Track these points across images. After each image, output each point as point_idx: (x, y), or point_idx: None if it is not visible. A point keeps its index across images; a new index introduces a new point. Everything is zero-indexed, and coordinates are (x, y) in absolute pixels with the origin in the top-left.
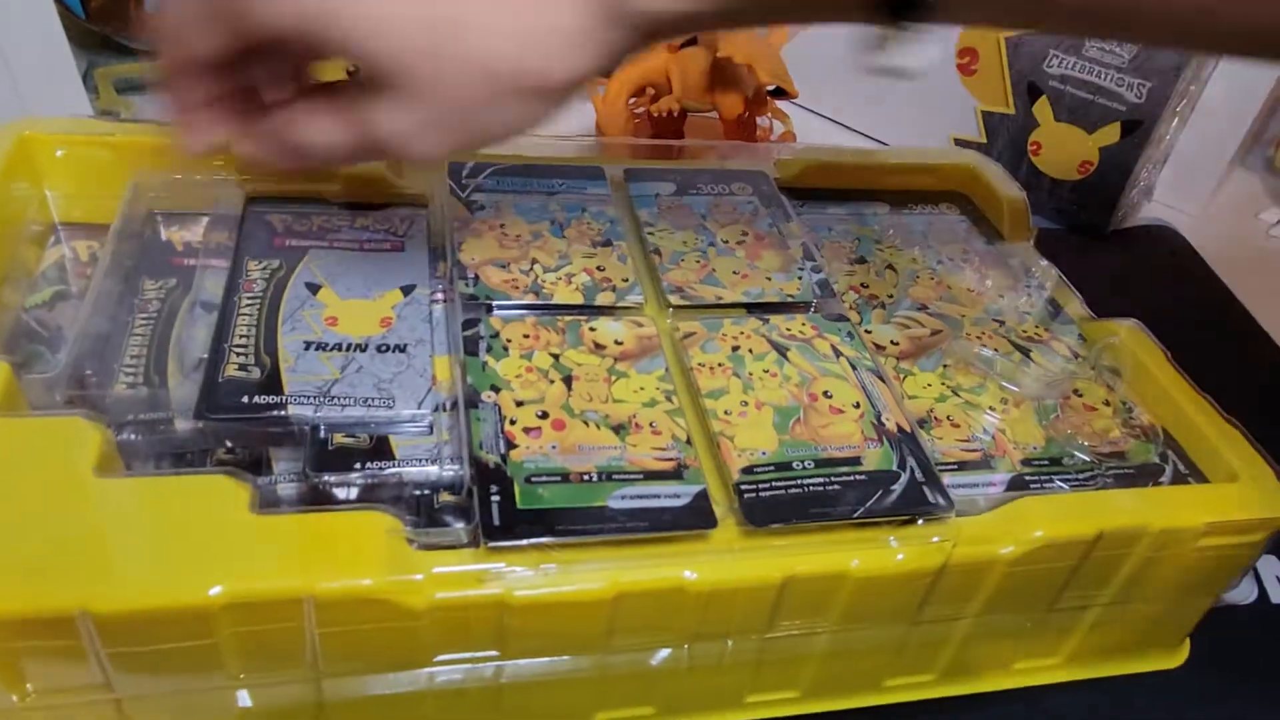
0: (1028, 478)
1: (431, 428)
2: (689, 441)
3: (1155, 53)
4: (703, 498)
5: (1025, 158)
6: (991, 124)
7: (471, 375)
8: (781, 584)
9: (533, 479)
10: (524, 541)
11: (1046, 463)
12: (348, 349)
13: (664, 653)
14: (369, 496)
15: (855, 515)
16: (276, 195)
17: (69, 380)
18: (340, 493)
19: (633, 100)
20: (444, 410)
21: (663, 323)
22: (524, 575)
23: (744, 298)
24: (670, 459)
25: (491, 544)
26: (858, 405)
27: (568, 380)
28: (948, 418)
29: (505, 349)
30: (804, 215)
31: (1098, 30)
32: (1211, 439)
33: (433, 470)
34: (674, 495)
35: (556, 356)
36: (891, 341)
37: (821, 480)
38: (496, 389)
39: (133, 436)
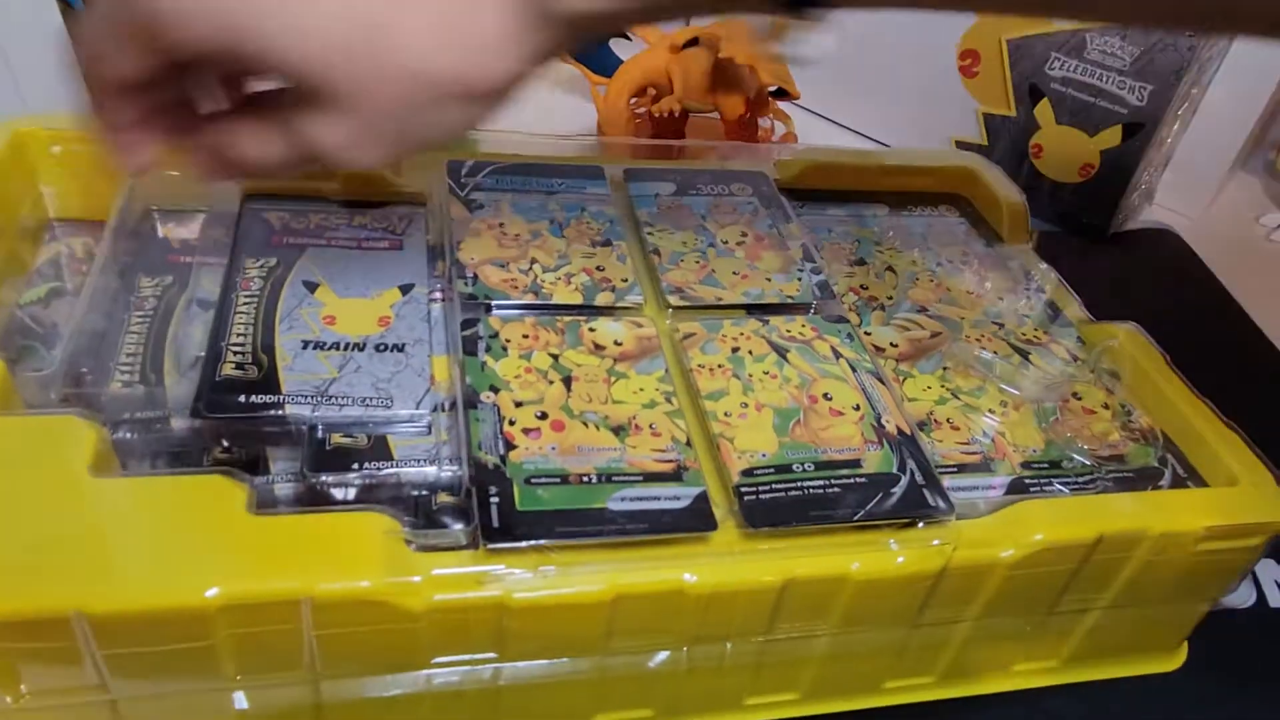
0: (1027, 481)
1: (430, 428)
2: (689, 443)
3: (1157, 56)
4: (703, 500)
5: (1026, 160)
6: (993, 126)
7: (470, 375)
8: (781, 587)
9: (532, 480)
10: (523, 544)
11: (1046, 466)
12: (346, 348)
13: (663, 655)
14: (367, 497)
15: (855, 518)
16: (274, 193)
17: (64, 378)
18: (338, 493)
19: (634, 100)
20: (442, 410)
21: (662, 323)
22: (523, 577)
23: (744, 299)
24: (670, 461)
25: (491, 546)
26: (858, 407)
27: (567, 381)
28: (947, 420)
29: (504, 349)
30: (803, 216)
31: (1030, 7)
32: (1211, 443)
33: (431, 471)
34: (674, 497)
35: (556, 357)
36: (891, 343)
37: (821, 483)
38: (495, 389)
39: (128, 435)
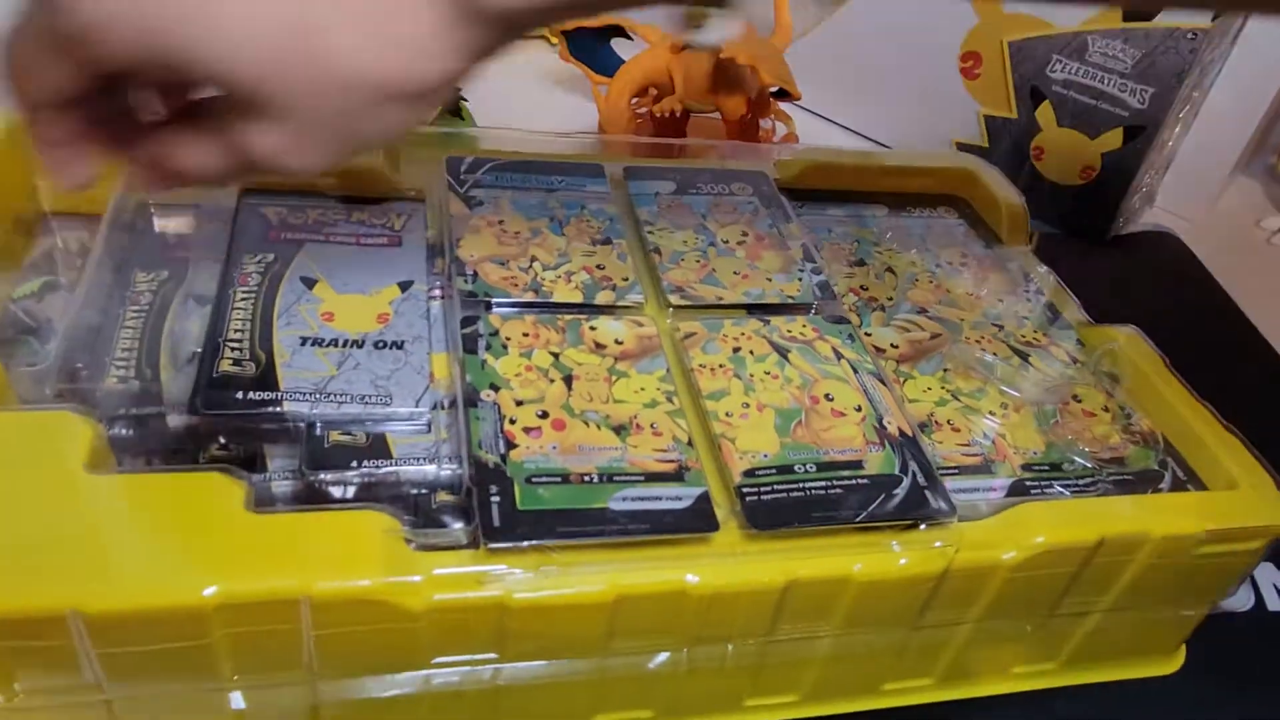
0: (1028, 483)
1: (429, 426)
2: (690, 443)
3: (1159, 59)
4: (704, 500)
5: (1027, 162)
6: (994, 128)
7: (470, 373)
8: (783, 588)
9: (533, 479)
10: (524, 543)
11: (1047, 468)
12: (344, 345)
13: (663, 656)
14: (365, 495)
15: (857, 519)
16: (271, 188)
17: (59, 373)
18: (336, 491)
19: (635, 100)
20: (442, 408)
21: (662, 323)
22: (524, 577)
23: (744, 298)
24: (671, 460)
25: (491, 545)
26: (859, 408)
27: (568, 380)
28: (948, 422)
29: (504, 347)
30: (803, 216)
31: None
32: (1211, 446)
33: (430, 469)
34: (675, 497)
35: (556, 355)
36: (891, 344)
37: (823, 484)
38: (496, 388)
39: (124, 431)
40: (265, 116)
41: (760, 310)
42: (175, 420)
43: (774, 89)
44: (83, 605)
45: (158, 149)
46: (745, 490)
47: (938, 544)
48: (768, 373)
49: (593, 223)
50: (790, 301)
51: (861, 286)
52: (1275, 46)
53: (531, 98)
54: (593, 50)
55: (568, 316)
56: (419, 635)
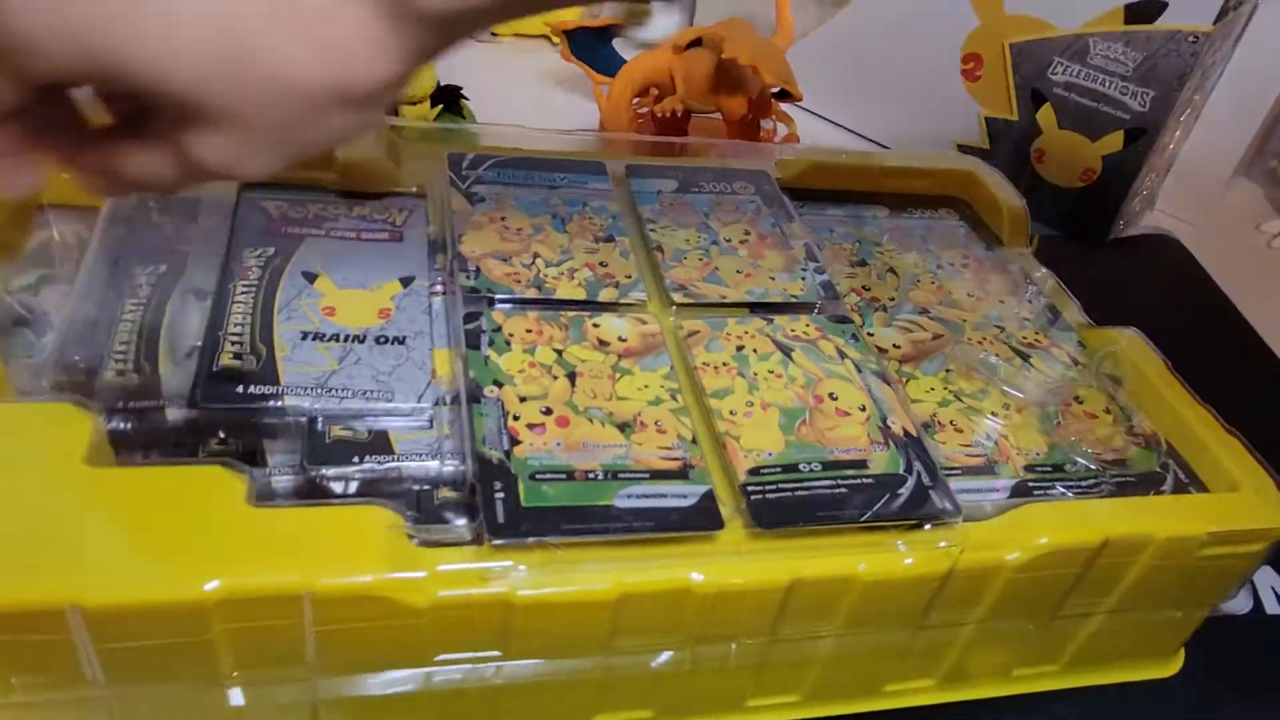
0: (1031, 484)
1: (431, 422)
2: (694, 441)
3: (1160, 62)
4: (709, 498)
5: (1028, 164)
6: (995, 130)
7: (474, 369)
8: (788, 587)
9: (537, 476)
10: (529, 540)
11: (1049, 469)
12: (345, 340)
13: (666, 655)
14: (367, 491)
15: (862, 519)
16: (271, 182)
17: (56, 365)
18: (337, 487)
19: (636, 100)
20: (444, 404)
21: (665, 320)
22: (528, 574)
23: (747, 297)
24: (676, 458)
25: (496, 542)
26: (863, 408)
27: (571, 376)
28: (950, 422)
29: (508, 343)
30: (804, 216)
31: None
32: (1212, 449)
33: (433, 465)
34: (680, 495)
35: (560, 352)
36: (894, 345)
37: (828, 483)
38: (499, 384)
39: (122, 425)
40: (207, 125)
41: (763, 309)
42: (174, 414)
43: (775, 89)
44: (82, 599)
45: (104, 157)
46: (750, 489)
47: (942, 544)
48: (771, 371)
49: (595, 220)
50: (793, 301)
51: (864, 287)
52: (1276, 50)
53: (533, 97)
54: (594, 50)
55: (571, 313)
56: (422, 632)
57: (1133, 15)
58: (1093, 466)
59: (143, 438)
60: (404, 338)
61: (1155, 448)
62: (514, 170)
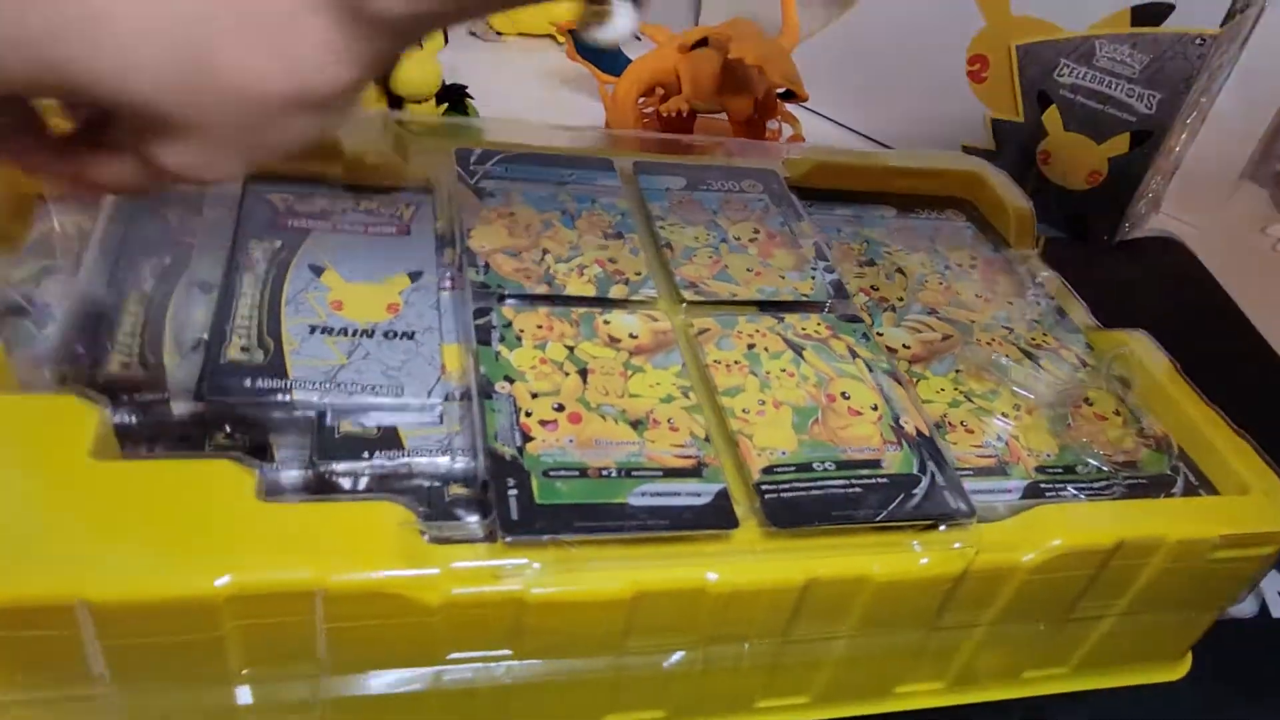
0: (1043, 485)
1: (441, 418)
2: (707, 439)
3: (1167, 64)
4: (724, 497)
5: (1033, 166)
6: (1001, 132)
7: (485, 365)
8: (803, 587)
9: (550, 473)
10: (543, 537)
11: (1060, 471)
12: (354, 334)
13: (678, 655)
14: (377, 487)
15: (878, 519)
16: (276, 175)
17: (58, 358)
18: (346, 482)
19: (642, 100)
20: (454, 400)
21: (675, 318)
22: (542, 572)
23: (758, 295)
24: (689, 456)
25: (510, 539)
26: (875, 407)
27: (583, 373)
28: (961, 423)
29: (518, 339)
30: (812, 216)
31: None
32: (1222, 451)
33: (443, 461)
34: (694, 494)
35: (571, 348)
36: (903, 345)
37: (843, 482)
38: (510, 380)
39: (127, 417)
40: (169, 133)
41: (773, 308)
42: (180, 407)
43: (781, 90)
44: (91, 595)
45: (70, 164)
46: (764, 488)
47: (957, 545)
48: (783, 370)
49: (604, 216)
50: (804, 299)
51: (872, 287)
52: None
53: (538, 96)
54: (600, 49)
55: (581, 310)
56: (434, 630)
57: (1140, 17)
58: (1104, 468)
59: (147, 431)
60: (413, 332)
61: (1166, 450)
62: (522, 166)
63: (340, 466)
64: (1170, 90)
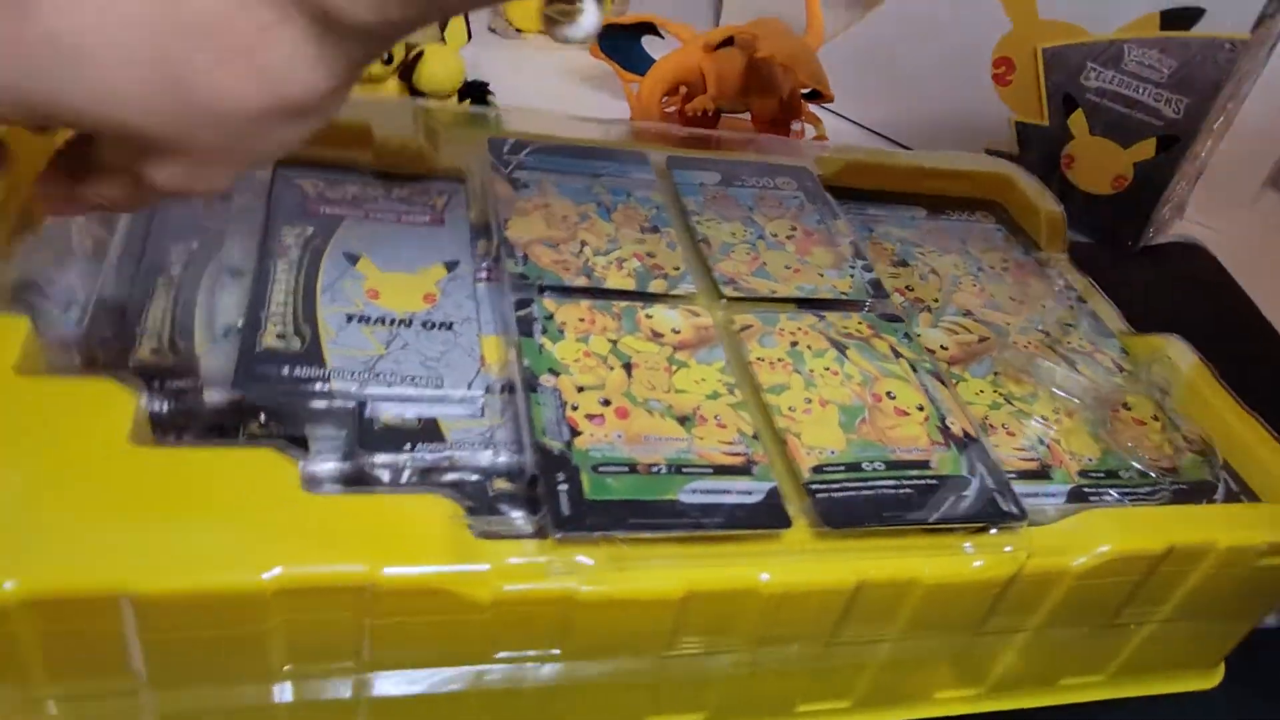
0: (1086, 489)
1: (483, 410)
2: (755, 436)
3: (1195, 69)
4: (775, 495)
5: (1058, 170)
6: (1025, 135)
7: (528, 357)
8: (855, 588)
9: (600, 468)
10: (595, 534)
11: (1102, 475)
12: (391, 324)
13: (724, 657)
14: (419, 480)
15: (931, 520)
16: (305, 160)
17: (87, 343)
18: (386, 475)
19: (666, 99)
20: (494, 393)
21: (715, 314)
22: (594, 569)
23: (797, 292)
24: (739, 454)
25: (561, 535)
26: (921, 408)
27: (627, 367)
28: (1002, 425)
29: (561, 331)
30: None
31: None
32: (1262, 457)
33: (486, 455)
34: (746, 492)
35: (614, 342)
36: (940, 346)
37: (892, 483)
38: (555, 373)
39: (158, 405)
40: (154, 153)
41: (813, 305)
42: (213, 395)
43: (806, 90)
44: (136, 587)
45: (62, 186)
46: (814, 487)
47: (1008, 548)
48: (827, 368)
49: (639, 210)
50: (843, 298)
51: (907, 287)
52: None
53: (560, 94)
54: (624, 47)
55: (622, 303)
56: (483, 627)
57: (1169, 21)
58: (1151, 474)
59: (179, 418)
60: (451, 323)
61: (1209, 456)
62: (556, 157)
63: (381, 458)
64: (1198, 95)
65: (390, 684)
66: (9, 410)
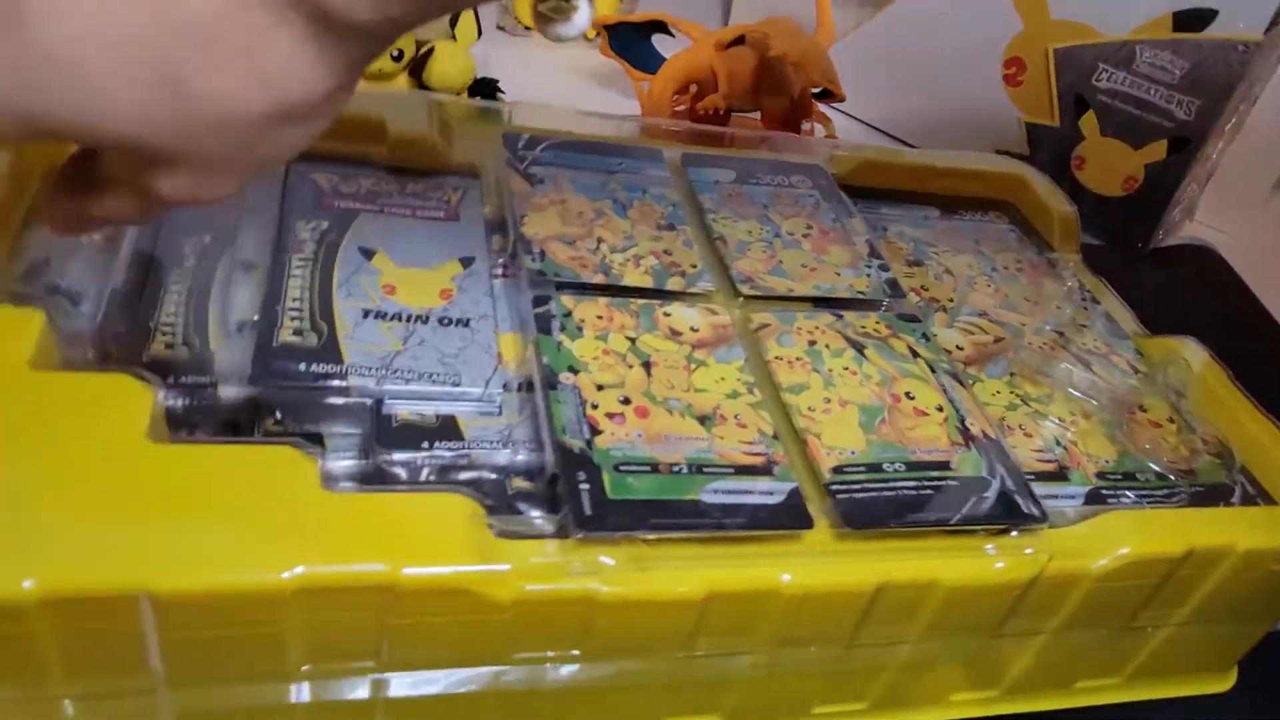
0: (1104, 491)
1: (501, 408)
2: (776, 436)
3: (1207, 71)
4: (796, 496)
5: (1068, 171)
6: (1035, 135)
7: (547, 355)
8: (876, 590)
9: (621, 467)
10: (617, 534)
11: (1120, 477)
12: (408, 320)
13: (742, 658)
14: (437, 478)
15: (953, 522)
16: (319, 154)
17: (100, 337)
18: (403, 473)
19: (676, 97)
20: (512, 390)
21: (733, 312)
22: (616, 570)
23: (814, 291)
24: (759, 454)
25: (582, 535)
26: (940, 408)
27: (646, 366)
28: (1019, 426)
29: (579, 329)
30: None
31: None
32: (1278, 460)
33: (505, 453)
34: (767, 492)
35: (633, 340)
36: (956, 346)
37: (913, 484)
38: (575, 370)
39: (172, 400)
40: (159, 164)
41: (830, 304)
42: (229, 391)
43: (817, 89)
44: (155, 586)
45: (68, 201)
46: (835, 488)
47: (1029, 550)
48: (846, 368)
49: (655, 207)
50: (860, 297)
51: (922, 287)
52: None
53: (570, 92)
54: (634, 46)
55: (640, 301)
56: (504, 628)
57: (1182, 23)
58: (1169, 476)
59: (193, 414)
60: (468, 320)
61: (1226, 458)
62: (571, 153)
63: (399, 456)
64: (1210, 97)
65: (408, 684)
66: (25, 406)
